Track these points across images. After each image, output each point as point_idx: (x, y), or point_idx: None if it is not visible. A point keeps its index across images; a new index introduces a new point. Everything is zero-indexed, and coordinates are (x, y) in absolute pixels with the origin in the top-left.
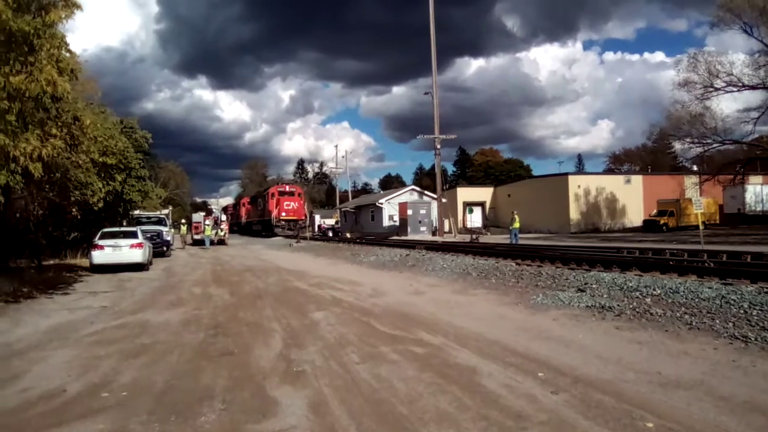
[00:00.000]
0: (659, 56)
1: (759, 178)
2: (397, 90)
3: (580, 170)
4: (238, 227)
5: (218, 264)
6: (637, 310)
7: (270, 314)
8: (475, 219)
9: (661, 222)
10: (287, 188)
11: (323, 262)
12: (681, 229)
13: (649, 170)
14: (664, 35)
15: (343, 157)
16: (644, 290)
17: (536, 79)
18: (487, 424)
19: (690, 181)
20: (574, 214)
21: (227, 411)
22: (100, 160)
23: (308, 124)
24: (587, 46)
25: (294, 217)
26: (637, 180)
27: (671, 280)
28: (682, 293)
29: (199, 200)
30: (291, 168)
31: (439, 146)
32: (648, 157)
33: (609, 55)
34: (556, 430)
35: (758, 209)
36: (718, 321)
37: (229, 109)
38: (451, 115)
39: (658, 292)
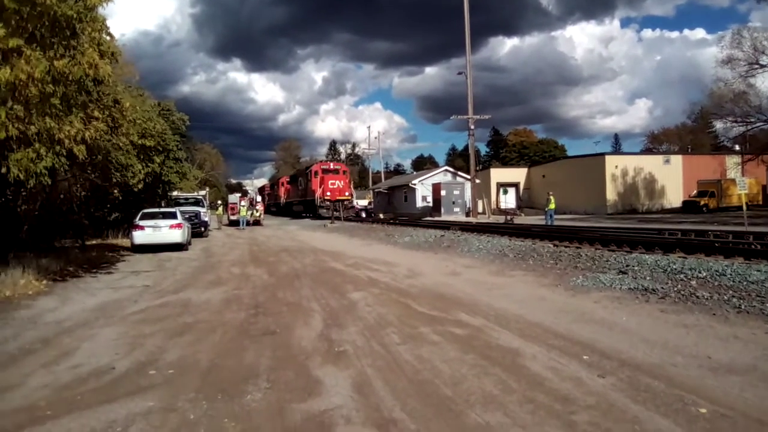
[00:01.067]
0: (700, 33)
1: None
2: (430, 70)
3: (616, 150)
4: (277, 208)
5: (255, 244)
6: (682, 293)
7: (308, 294)
8: (508, 200)
9: (702, 203)
10: (332, 166)
11: (358, 243)
12: (722, 210)
13: (689, 150)
14: (706, 11)
15: (376, 138)
16: (689, 273)
17: (572, 58)
18: (534, 407)
19: (732, 161)
20: (610, 194)
21: (272, 390)
22: (139, 142)
23: (341, 106)
24: (625, 23)
25: (340, 197)
26: (677, 160)
27: (717, 263)
28: (729, 276)
29: (234, 182)
30: (323, 149)
31: (472, 126)
32: (687, 137)
33: (647, 33)
34: (605, 414)
35: None
36: None
37: (263, 91)
38: (485, 94)
39: (704, 274)
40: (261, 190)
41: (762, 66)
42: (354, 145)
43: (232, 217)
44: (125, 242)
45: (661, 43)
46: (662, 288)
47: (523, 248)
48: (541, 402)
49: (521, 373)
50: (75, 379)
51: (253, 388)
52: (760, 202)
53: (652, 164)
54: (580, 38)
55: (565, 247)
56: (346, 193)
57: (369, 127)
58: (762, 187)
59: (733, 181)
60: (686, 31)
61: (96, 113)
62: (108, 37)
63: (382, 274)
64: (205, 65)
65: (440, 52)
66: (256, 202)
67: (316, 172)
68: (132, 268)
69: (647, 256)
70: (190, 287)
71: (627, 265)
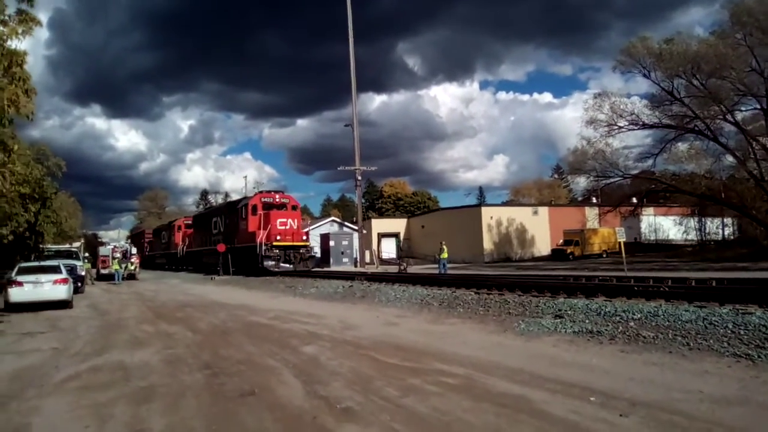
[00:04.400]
0: (547, 97)
1: (651, 210)
2: (302, 122)
3: (481, 202)
4: (168, 259)
5: (147, 300)
6: (627, 334)
7: (254, 350)
8: (389, 250)
9: (568, 251)
10: (278, 198)
11: (262, 296)
12: (585, 257)
13: (552, 202)
14: (552, 78)
15: (254, 188)
16: (623, 315)
17: (437, 116)
18: None
19: (592, 213)
20: (487, 244)
21: None
22: (16, 189)
23: (208, 155)
24: (483, 86)
25: (295, 242)
26: (544, 211)
27: (645, 305)
28: (662, 317)
29: (89, 233)
30: (190, 199)
31: (360, 177)
32: (545, 190)
33: (502, 95)
34: None
35: (652, 238)
36: (712, 341)
37: (124, 138)
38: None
39: (638, 316)
40: (137, 239)
41: (619, 127)
42: (226, 195)
43: (103, 271)
44: None
45: (514, 105)
46: (606, 330)
47: (444, 297)
48: None
49: (551, 419)
50: None
51: None
52: (617, 250)
53: (522, 215)
54: (444, 98)
55: (487, 294)
56: (303, 238)
57: (245, 177)
58: None
59: (594, 230)
60: (536, 95)
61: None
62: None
63: (316, 327)
64: (59, 109)
65: (312, 105)
66: (131, 254)
67: (254, 207)
68: (20, 330)
69: (575, 301)
70: (110, 348)
71: (560, 310)
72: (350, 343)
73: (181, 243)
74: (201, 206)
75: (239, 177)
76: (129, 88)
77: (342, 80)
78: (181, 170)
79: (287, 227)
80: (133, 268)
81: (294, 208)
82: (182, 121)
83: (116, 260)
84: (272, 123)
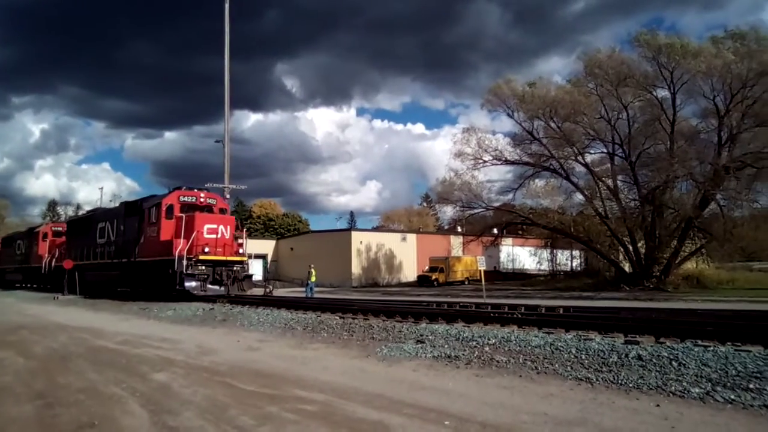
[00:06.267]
0: (420, 128)
1: (510, 240)
2: (170, 135)
3: (352, 227)
4: (26, 276)
5: None
6: (482, 358)
7: (97, 378)
8: (255, 271)
9: (433, 277)
10: (202, 197)
11: (111, 318)
12: (449, 284)
13: (420, 230)
14: (425, 111)
15: (111, 201)
16: (480, 340)
17: (313, 138)
18: None
19: (457, 241)
20: (356, 268)
21: None
22: None
23: (61, 163)
24: (360, 112)
25: (227, 257)
26: (412, 238)
27: (500, 330)
28: (514, 342)
29: None
30: (36, 210)
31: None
32: (414, 218)
33: (378, 123)
34: None
35: (510, 267)
36: (557, 365)
37: None
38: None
39: (493, 341)
40: None
41: (484, 162)
42: (78, 207)
43: None
44: None
45: (389, 133)
46: (463, 355)
47: (308, 321)
48: None
49: None
50: None
51: None
52: (478, 277)
53: (391, 241)
54: (321, 121)
55: (352, 318)
56: (240, 251)
57: (101, 188)
58: None
59: (458, 258)
60: (409, 125)
61: None
62: None
63: (170, 352)
64: None
65: (182, 118)
66: None
67: (170, 208)
68: None
69: (436, 326)
70: None
71: (421, 335)
72: (206, 370)
73: (47, 255)
74: (48, 218)
75: (95, 188)
76: None
77: (216, 95)
78: (28, 178)
79: (218, 236)
80: None
81: (223, 211)
82: (33, 125)
83: None
84: (137, 133)
